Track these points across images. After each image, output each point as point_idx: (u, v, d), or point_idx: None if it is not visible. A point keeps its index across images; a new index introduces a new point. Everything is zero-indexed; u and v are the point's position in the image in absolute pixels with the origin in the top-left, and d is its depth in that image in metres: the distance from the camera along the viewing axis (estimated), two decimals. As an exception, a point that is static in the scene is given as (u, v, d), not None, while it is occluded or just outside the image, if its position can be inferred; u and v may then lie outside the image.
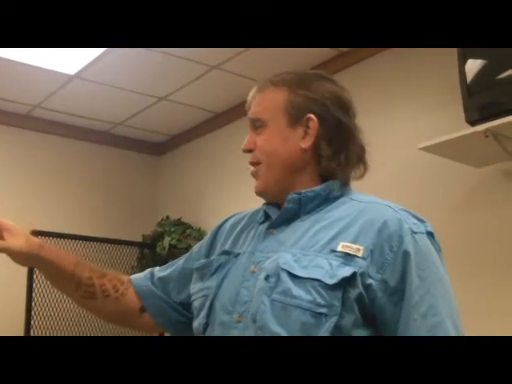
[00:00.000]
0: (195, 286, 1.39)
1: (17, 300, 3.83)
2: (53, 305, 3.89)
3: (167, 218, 4.32)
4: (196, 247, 1.52)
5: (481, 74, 2.41)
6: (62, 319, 3.92)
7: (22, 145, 4.27)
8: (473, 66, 2.42)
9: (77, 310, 3.79)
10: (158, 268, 1.56)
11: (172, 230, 4.13)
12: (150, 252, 4.24)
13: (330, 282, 1.14)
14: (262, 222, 1.37)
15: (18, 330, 3.76)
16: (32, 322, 3.82)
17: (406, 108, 3.06)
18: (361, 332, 1.15)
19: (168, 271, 1.52)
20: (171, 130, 4.57)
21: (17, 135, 4.26)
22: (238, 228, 1.42)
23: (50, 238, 3.97)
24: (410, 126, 3.00)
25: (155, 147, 4.82)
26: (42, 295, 3.85)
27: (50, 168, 4.37)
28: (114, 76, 3.69)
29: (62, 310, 3.91)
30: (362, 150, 1.36)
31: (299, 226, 1.27)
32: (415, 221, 1.23)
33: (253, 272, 1.25)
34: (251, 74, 3.61)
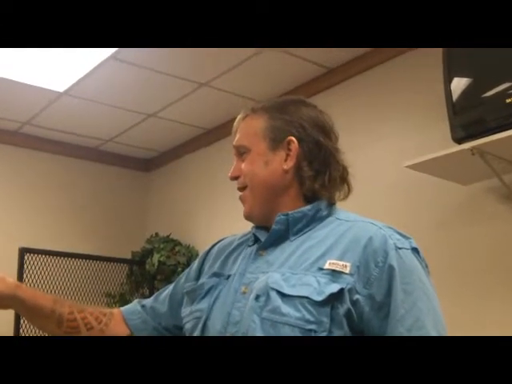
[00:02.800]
0: (186, 310, 1.39)
1: (5, 313, 3.80)
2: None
3: (156, 234, 4.31)
4: (184, 273, 1.53)
5: (466, 92, 2.43)
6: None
7: (10, 161, 4.27)
8: (458, 84, 2.44)
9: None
10: (145, 300, 1.57)
11: (161, 246, 4.13)
12: (139, 269, 4.23)
13: (318, 298, 1.16)
14: (252, 245, 1.38)
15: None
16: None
17: (393, 126, 3.08)
18: None
19: (159, 300, 1.53)
20: (160, 146, 4.58)
21: (5, 152, 4.26)
22: (227, 251, 1.43)
23: (39, 255, 3.96)
24: (397, 144, 3.01)
25: (144, 164, 4.83)
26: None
27: (39, 185, 4.36)
28: (103, 93, 3.70)
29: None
30: (345, 170, 1.38)
31: (288, 247, 1.29)
32: (399, 237, 1.26)
33: (243, 293, 1.26)
34: (240, 91, 3.63)
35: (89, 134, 4.36)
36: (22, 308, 1.44)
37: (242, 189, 1.38)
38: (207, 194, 4.22)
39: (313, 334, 1.14)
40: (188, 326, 1.36)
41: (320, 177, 1.34)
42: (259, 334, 1.17)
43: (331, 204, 1.36)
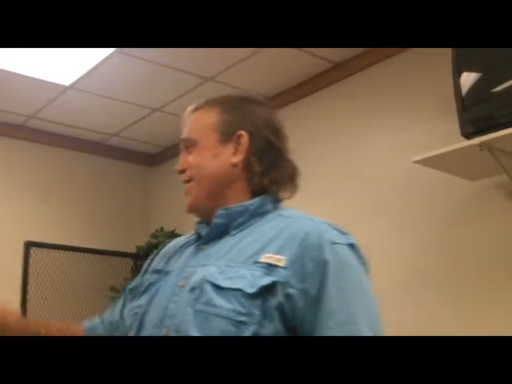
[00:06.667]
0: (128, 307, 1.40)
1: (11, 301, 3.81)
2: (47, 305, 3.88)
3: (161, 229, 4.30)
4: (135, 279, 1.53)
5: (476, 87, 2.42)
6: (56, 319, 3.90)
7: (16, 155, 4.26)
8: (467, 78, 2.43)
9: (72, 311, 3.80)
10: (106, 313, 1.56)
11: (166, 241, 4.10)
12: (143, 263, 4.22)
13: (250, 290, 1.16)
14: (195, 241, 1.39)
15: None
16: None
17: (401, 120, 3.07)
18: None
19: (115, 310, 1.52)
20: (165, 141, 4.56)
21: (11, 145, 4.24)
22: (172, 251, 1.44)
23: (44, 249, 3.96)
24: (405, 139, 3.00)
25: (149, 158, 4.82)
26: (36, 296, 3.83)
27: (44, 178, 4.35)
28: (109, 87, 3.70)
29: (57, 310, 3.90)
30: (294, 170, 1.39)
31: (228, 241, 1.30)
32: (336, 232, 1.25)
33: (181, 286, 1.26)
34: (246, 86, 3.62)
35: (94, 128, 4.35)
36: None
37: (187, 181, 1.37)
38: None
39: (243, 326, 1.14)
40: (127, 323, 1.36)
41: (269, 173, 1.34)
42: (192, 325, 1.18)
43: (275, 200, 1.37)
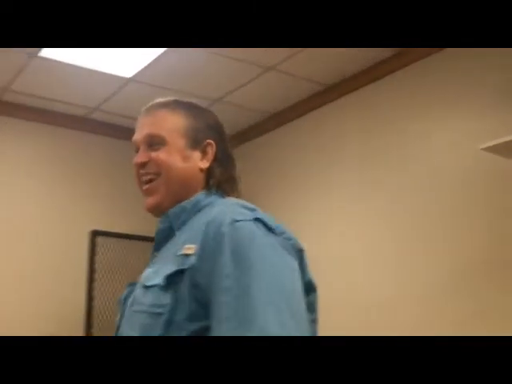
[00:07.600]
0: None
1: (76, 298, 3.92)
2: (113, 294, 3.95)
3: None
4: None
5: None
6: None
7: (80, 147, 4.35)
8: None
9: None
10: None
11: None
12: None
13: (163, 283, 1.22)
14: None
15: (77, 330, 3.84)
16: (93, 321, 3.89)
17: (469, 107, 3.00)
18: (194, 325, 1.18)
19: None
20: (228, 130, 4.56)
21: (75, 137, 4.33)
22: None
23: (110, 238, 4.04)
24: (472, 126, 2.93)
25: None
26: (102, 285, 3.93)
27: (108, 170, 4.43)
28: (170, 79, 3.72)
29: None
30: (236, 169, 1.48)
31: (172, 242, 1.35)
32: (242, 210, 1.25)
33: None
34: (306, 75, 3.61)
35: (156, 120, 4.37)
36: None
37: (152, 174, 1.40)
38: (268, 182, 4.23)
39: (157, 316, 1.21)
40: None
41: (224, 176, 1.43)
42: (130, 326, 1.28)
43: (215, 194, 1.40)
